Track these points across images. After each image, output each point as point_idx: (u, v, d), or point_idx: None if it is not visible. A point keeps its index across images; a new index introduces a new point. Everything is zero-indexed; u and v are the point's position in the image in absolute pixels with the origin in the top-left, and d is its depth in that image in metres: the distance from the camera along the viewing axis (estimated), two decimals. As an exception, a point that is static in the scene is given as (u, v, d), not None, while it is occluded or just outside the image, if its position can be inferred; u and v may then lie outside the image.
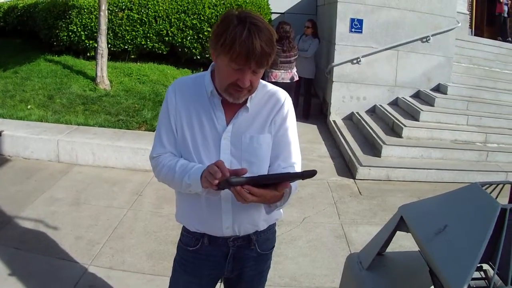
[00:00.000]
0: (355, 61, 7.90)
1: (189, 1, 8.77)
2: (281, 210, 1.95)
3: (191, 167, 1.75)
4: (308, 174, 1.58)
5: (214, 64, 1.78)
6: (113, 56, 8.93)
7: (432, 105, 7.33)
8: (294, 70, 7.40)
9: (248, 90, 1.72)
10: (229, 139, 1.80)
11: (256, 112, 1.84)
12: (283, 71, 7.16)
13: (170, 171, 1.81)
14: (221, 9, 8.63)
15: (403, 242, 3.03)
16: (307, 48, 8.13)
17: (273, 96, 1.89)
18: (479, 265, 1.62)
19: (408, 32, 7.89)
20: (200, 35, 8.65)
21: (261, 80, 1.81)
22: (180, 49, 9.02)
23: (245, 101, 1.79)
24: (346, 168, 6.25)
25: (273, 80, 7.13)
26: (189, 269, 2.01)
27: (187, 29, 8.76)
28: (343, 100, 8.11)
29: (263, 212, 1.87)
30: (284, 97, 1.91)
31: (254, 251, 2.00)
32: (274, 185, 1.61)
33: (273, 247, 2.12)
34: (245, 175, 1.59)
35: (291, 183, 1.69)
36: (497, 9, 13.34)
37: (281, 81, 7.20)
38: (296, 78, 7.48)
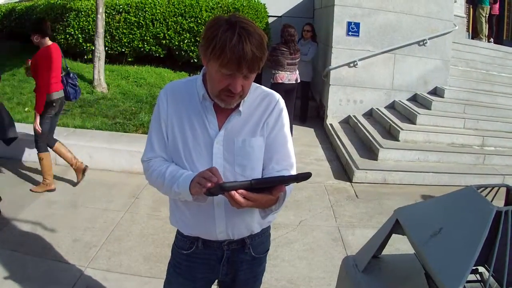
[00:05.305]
0: (352, 65, 7.92)
1: (186, 4, 8.79)
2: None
3: (180, 175, 1.73)
4: (302, 176, 1.56)
5: (206, 69, 1.76)
6: (110, 59, 8.95)
7: (429, 109, 7.34)
8: (297, 71, 7.44)
9: (240, 95, 1.70)
10: (221, 144, 1.78)
11: (248, 115, 1.82)
12: (289, 72, 7.21)
13: (159, 177, 1.80)
14: (218, 12, 8.66)
15: (400, 245, 3.04)
16: (306, 52, 8.15)
17: (265, 99, 1.87)
18: (474, 267, 1.62)
19: (405, 35, 7.91)
20: (197, 38, 8.66)
21: (253, 83, 1.80)
22: (177, 52, 9.04)
23: (238, 105, 1.78)
24: (343, 171, 6.26)
25: (280, 81, 7.16)
26: (183, 272, 2.01)
27: (184, 32, 8.77)
28: (340, 103, 8.12)
29: (256, 216, 1.86)
30: (276, 99, 1.89)
31: (249, 255, 2.00)
32: (268, 189, 1.60)
33: (268, 250, 2.12)
34: (238, 180, 1.58)
35: (285, 187, 1.68)
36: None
37: (288, 82, 7.23)
38: (299, 80, 7.51)
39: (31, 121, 6.47)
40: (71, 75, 5.19)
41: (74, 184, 5.29)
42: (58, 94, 4.98)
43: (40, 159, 5.01)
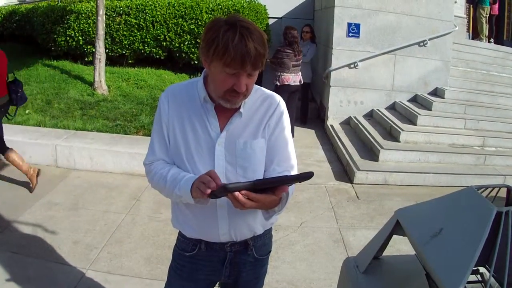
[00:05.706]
0: (352, 66, 7.92)
1: (186, 6, 8.79)
2: None
3: (181, 178, 1.73)
4: (304, 176, 1.56)
5: (207, 71, 1.76)
6: (111, 61, 8.95)
7: (430, 109, 7.34)
8: (300, 73, 7.46)
9: (244, 95, 1.71)
10: (223, 145, 1.79)
11: (249, 117, 1.83)
12: (293, 74, 7.24)
13: (161, 180, 1.81)
14: (219, 14, 8.66)
15: (401, 246, 3.04)
16: (305, 53, 8.15)
17: (266, 100, 1.88)
18: (475, 268, 1.62)
19: (405, 36, 7.91)
20: (197, 40, 8.66)
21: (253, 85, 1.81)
22: (177, 54, 9.04)
23: (239, 106, 1.78)
24: (344, 172, 6.26)
25: (286, 83, 7.18)
26: (185, 275, 2.01)
27: (184, 34, 8.78)
28: (341, 105, 8.12)
29: (259, 217, 1.86)
30: (277, 101, 1.89)
31: (251, 256, 2.00)
32: (271, 190, 1.60)
33: (270, 251, 2.12)
34: (241, 181, 1.58)
35: (288, 187, 1.68)
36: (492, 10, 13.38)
37: (293, 84, 7.25)
38: (302, 81, 7.53)
39: (32, 123, 6.50)
40: (16, 81, 5.24)
41: (31, 190, 5.15)
42: (3, 99, 5.02)
43: (8, 159, 5.02)
